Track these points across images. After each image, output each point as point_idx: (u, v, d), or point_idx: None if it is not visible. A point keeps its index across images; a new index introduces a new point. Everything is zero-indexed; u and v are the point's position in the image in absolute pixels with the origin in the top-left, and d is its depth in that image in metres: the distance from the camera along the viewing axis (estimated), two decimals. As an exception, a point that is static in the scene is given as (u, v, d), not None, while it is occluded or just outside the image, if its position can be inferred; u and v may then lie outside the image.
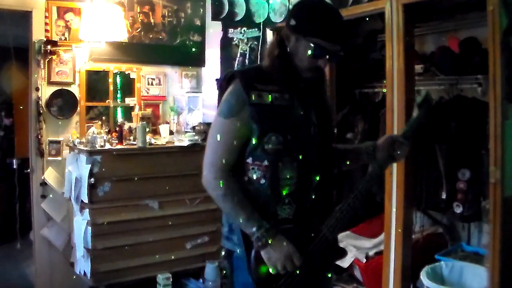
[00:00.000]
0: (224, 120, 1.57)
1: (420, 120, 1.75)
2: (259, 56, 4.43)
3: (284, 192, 1.55)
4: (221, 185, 1.54)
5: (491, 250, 2.25)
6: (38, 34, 3.63)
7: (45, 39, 3.62)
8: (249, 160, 1.55)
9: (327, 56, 1.55)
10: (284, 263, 1.51)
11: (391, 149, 1.68)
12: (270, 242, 1.50)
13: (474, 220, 2.96)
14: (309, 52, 1.53)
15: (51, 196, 3.71)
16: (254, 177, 1.55)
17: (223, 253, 1.70)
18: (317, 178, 1.60)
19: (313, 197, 1.61)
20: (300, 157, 1.56)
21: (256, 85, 1.55)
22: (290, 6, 4.14)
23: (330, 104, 1.78)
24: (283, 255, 1.50)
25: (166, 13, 4.20)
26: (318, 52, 1.53)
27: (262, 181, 1.54)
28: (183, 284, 3.61)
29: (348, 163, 1.82)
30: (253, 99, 1.53)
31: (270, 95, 1.54)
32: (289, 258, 1.51)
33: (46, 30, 3.65)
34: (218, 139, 1.56)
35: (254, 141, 1.53)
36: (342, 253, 1.70)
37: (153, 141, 3.63)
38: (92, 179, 3.22)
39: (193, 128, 3.92)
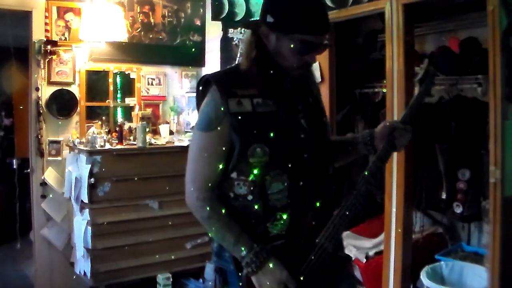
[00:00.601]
0: (203, 133, 1.41)
1: (422, 98, 1.56)
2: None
3: (275, 207, 1.39)
4: (205, 207, 1.40)
5: (491, 250, 2.25)
6: (38, 34, 3.63)
7: (45, 39, 3.62)
8: (234, 175, 1.39)
9: (315, 51, 1.40)
10: None
11: (391, 137, 1.50)
12: (261, 268, 1.35)
13: (474, 220, 2.96)
14: (295, 50, 1.36)
15: (51, 196, 3.71)
16: (240, 193, 1.39)
17: (213, 269, 1.54)
18: (314, 183, 1.44)
19: (316, 204, 1.44)
20: (290, 166, 1.39)
21: (235, 91, 1.38)
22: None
23: (319, 95, 1.60)
24: (275, 283, 1.36)
25: (166, 13, 4.20)
26: (305, 48, 1.37)
27: (249, 197, 1.38)
28: (183, 284, 3.61)
29: (342, 156, 1.65)
30: (233, 108, 1.36)
31: (251, 102, 1.37)
32: (282, 285, 1.36)
33: (46, 30, 3.65)
34: (198, 155, 1.42)
35: (236, 155, 1.37)
36: (345, 261, 1.56)
37: (153, 141, 3.63)
38: (92, 179, 3.22)
39: (193, 128, 3.92)
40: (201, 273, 3.57)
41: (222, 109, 1.36)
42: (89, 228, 3.21)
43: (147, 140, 3.52)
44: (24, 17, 3.66)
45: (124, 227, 3.32)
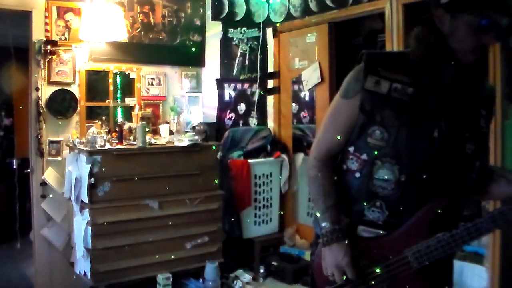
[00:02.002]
0: (339, 99, 1.44)
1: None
2: (259, 56, 4.44)
3: (376, 194, 1.37)
4: (314, 168, 1.46)
5: (491, 250, 2.25)
6: (38, 34, 3.63)
7: (45, 39, 3.62)
8: (351, 149, 1.42)
9: (496, 30, 1.26)
10: (333, 271, 1.39)
11: None
12: (330, 245, 1.39)
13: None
14: (473, 26, 1.26)
15: (51, 196, 3.71)
16: (352, 168, 1.42)
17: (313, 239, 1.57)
18: (429, 190, 1.34)
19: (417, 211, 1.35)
20: (405, 161, 1.33)
21: (379, 69, 1.36)
22: (290, 6, 4.15)
23: (484, 107, 1.42)
24: (333, 265, 1.38)
25: (166, 13, 4.20)
26: (485, 24, 1.25)
27: (357, 174, 1.40)
28: (183, 284, 3.61)
29: (486, 183, 1.48)
30: (369, 85, 1.36)
31: (390, 85, 1.35)
32: (340, 269, 1.38)
33: (46, 30, 3.65)
34: (329, 117, 1.46)
35: (358, 130, 1.39)
36: None
37: (153, 141, 3.63)
38: (92, 179, 3.22)
39: (193, 128, 3.93)
40: (201, 273, 3.57)
41: (359, 81, 1.38)
42: (89, 228, 3.21)
43: (147, 140, 3.51)
44: (24, 17, 3.65)
45: (124, 227, 3.31)
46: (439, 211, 1.34)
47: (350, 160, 1.42)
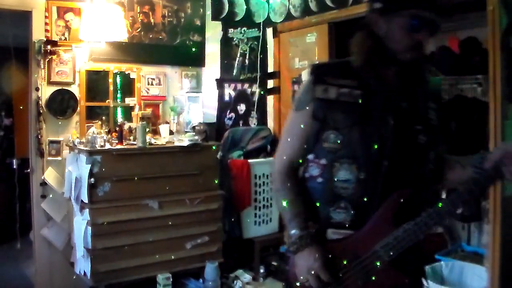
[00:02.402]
0: (294, 113, 1.52)
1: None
2: (259, 56, 4.44)
3: (340, 195, 1.42)
4: (278, 179, 1.53)
5: (491, 250, 2.25)
6: (38, 34, 3.63)
7: (45, 39, 3.63)
8: (310, 156, 1.49)
9: (427, 27, 1.37)
10: (307, 276, 1.41)
11: (501, 162, 1.32)
12: (300, 251, 1.43)
13: (474, 220, 2.96)
14: (406, 27, 1.36)
15: (51, 196, 3.71)
16: (313, 174, 1.48)
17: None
18: (387, 185, 1.39)
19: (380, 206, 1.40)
20: (361, 159, 1.40)
21: (326, 78, 1.45)
22: (290, 6, 4.15)
23: (429, 101, 1.50)
24: (306, 268, 1.41)
25: (166, 13, 4.20)
26: (416, 22, 1.36)
27: (319, 179, 1.47)
28: (183, 284, 3.61)
29: (448, 172, 1.54)
30: (318, 93, 1.44)
31: (337, 90, 1.43)
32: (313, 273, 1.40)
33: (46, 30, 3.66)
34: (286, 131, 1.54)
35: (315, 138, 1.46)
36: (404, 280, 1.41)
37: (153, 141, 3.63)
38: (92, 179, 3.22)
39: (193, 128, 3.93)
40: (201, 273, 3.57)
41: (310, 92, 1.46)
42: (89, 228, 3.21)
43: (147, 140, 3.51)
44: (24, 17, 3.66)
45: (124, 227, 3.31)
46: (401, 203, 1.38)
47: (311, 167, 1.49)
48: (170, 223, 3.48)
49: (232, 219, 4.01)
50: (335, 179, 1.42)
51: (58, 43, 3.68)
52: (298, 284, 1.46)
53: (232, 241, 3.97)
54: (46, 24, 3.65)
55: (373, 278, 1.38)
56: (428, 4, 1.38)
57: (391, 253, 1.36)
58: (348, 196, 1.41)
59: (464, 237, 3.17)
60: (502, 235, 2.20)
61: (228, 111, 4.45)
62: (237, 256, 3.99)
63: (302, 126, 1.47)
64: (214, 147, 3.77)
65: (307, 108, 1.46)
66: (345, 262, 1.40)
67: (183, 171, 3.57)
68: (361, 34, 1.46)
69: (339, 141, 1.42)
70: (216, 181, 3.73)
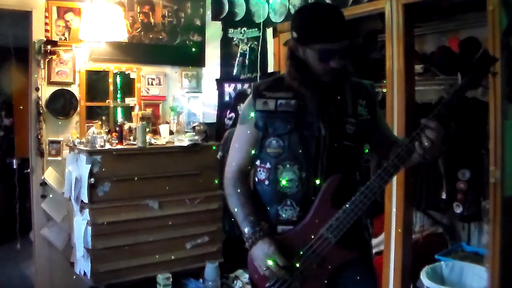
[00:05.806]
0: (239, 126, 1.72)
1: (465, 89, 1.49)
2: (259, 56, 4.44)
3: (285, 194, 1.60)
4: (229, 185, 1.69)
5: (491, 250, 2.25)
6: (38, 34, 3.63)
7: (45, 39, 3.62)
8: (258, 162, 1.67)
9: (336, 57, 1.53)
10: (265, 264, 1.55)
11: (417, 136, 1.47)
12: (255, 244, 1.58)
13: (474, 220, 2.96)
14: (317, 58, 1.54)
15: (51, 196, 3.71)
16: (261, 178, 1.66)
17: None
18: (319, 182, 1.57)
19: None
20: (301, 160, 1.58)
21: (264, 93, 1.66)
22: (290, 6, 4.15)
23: (357, 105, 1.65)
24: (263, 256, 1.56)
25: (166, 13, 4.20)
26: (325, 56, 1.53)
27: (266, 182, 1.64)
28: (183, 284, 3.61)
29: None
30: (258, 106, 1.64)
31: (276, 102, 1.62)
32: (270, 260, 1.54)
33: (46, 30, 3.65)
34: (234, 142, 1.73)
35: (260, 145, 1.65)
36: (353, 256, 1.59)
37: (153, 141, 3.63)
38: (92, 179, 3.22)
39: (193, 128, 3.92)
40: (201, 273, 3.57)
41: (251, 107, 1.67)
42: (89, 228, 3.21)
43: (147, 140, 3.51)
44: (24, 17, 3.65)
45: (124, 227, 3.31)
46: (337, 187, 1.55)
47: (258, 172, 1.67)
48: (170, 223, 3.48)
49: (232, 219, 4.00)
50: (280, 180, 1.59)
51: (58, 43, 3.67)
52: (260, 274, 1.60)
53: (232, 241, 3.97)
54: (46, 24, 3.65)
55: (325, 259, 1.55)
56: (335, 36, 1.52)
57: (336, 234, 1.53)
58: (292, 194, 1.59)
59: (464, 237, 3.17)
60: (502, 235, 2.20)
61: (228, 111, 4.44)
62: (237, 256, 3.99)
63: (247, 136, 1.67)
64: (214, 147, 3.77)
65: (250, 121, 1.66)
66: (298, 251, 1.56)
67: (183, 171, 3.57)
68: (287, 54, 1.64)
69: (280, 146, 1.60)
70: (216, 181, 3.73)
